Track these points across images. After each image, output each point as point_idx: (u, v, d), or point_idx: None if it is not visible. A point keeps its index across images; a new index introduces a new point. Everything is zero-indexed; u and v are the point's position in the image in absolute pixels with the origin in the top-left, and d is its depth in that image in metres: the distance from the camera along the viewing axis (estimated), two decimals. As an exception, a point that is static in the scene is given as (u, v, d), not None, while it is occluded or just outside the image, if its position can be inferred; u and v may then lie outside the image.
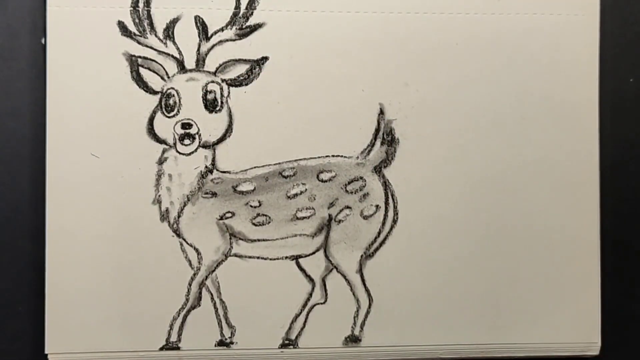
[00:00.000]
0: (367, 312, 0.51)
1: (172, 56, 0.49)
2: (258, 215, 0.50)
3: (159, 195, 0.49)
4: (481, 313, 0.51)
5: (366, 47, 0.50)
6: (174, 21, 0.49)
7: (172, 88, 0.49)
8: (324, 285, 0.51)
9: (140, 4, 0.49)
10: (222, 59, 0.49)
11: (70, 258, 0.49)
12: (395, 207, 0.51)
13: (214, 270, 0.50)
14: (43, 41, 0.50)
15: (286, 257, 0.51)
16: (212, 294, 0.50)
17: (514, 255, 0.51)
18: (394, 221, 0.51)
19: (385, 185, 0.51)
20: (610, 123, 0.53)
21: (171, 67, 0.49)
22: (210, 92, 0.49)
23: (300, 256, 0.51)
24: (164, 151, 0.49)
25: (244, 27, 0.50)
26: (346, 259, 0.51)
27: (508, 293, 0.51)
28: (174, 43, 0.49)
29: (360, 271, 0.51)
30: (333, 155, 0.50)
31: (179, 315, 0.50)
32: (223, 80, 0.49)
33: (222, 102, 0.50)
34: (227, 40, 0.49)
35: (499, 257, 0.51)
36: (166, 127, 0.49)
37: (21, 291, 0.50)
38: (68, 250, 0.49)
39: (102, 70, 0.49)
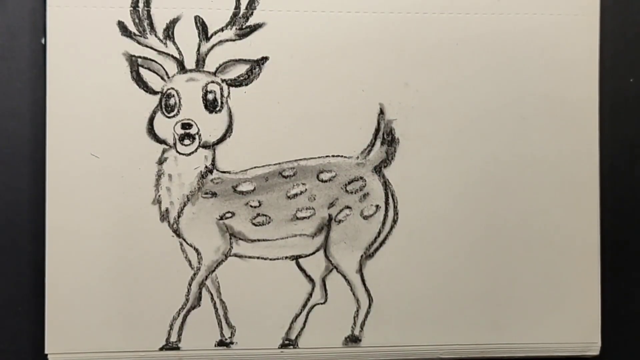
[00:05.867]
0: (367, 312, 0.51)
1: (172, 56, 0.49)
2: (258, 215, 0.50)
3: (159, 195, 0.49)
4: (481, 313, 0.51)
5: (366, 47, 0.50)
6: (174, 21, 0.49)
7: (172, 88, 0.49)
8: (324, 285, 0.51)
9: (140, 4, 0.49)
10: (222, 59, 0.49)
11: (70, 258, 0.49)
12: (395, 207, 0.51)
13: (214, 270, 0.50)
14: (43, 41, 0.50)
15: (286, 257, 0.51)
16: (212, 294, 0.50)
17: (514, 255, 0.51)
18: (394, 221, 0.51)
19: (385, 185, 0.51)
20: (610, 123, 0.53)
21: (171, 67, 0.49)
22: (210, 92, 0.49)
23: (300, 256, 0.51)
24: (164, 151, 0.49)
25: (244, 27, 0.50)
26: (346, 259, 0.51)
27: (508, 293, 0.51)
28: (174, 43, 0.49)
29: (360, 271, 0.51)
30: (333, 155, 0.50)
31: (179, 315, 0.50)
32: (223, 81, 0.50)
33: (222, 102, 0.50)
34: (227, 40, 0.49)
35: (499, 257, 0.51)
36: (166, 127, 0.49)
37: (21, 291, 0.50)
38: (68, 250, 0.49)
39: (102, 70, 0.49)
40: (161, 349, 0.50)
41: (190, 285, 0.50)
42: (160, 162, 0.49)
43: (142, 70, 0.49)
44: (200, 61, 0.49)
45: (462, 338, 0.51)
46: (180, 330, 0.50)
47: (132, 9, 0.49)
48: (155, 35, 0.49)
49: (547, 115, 0.52)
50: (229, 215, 0.50)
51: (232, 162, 0.50)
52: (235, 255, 0.50)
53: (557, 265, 0.52)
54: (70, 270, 0.49)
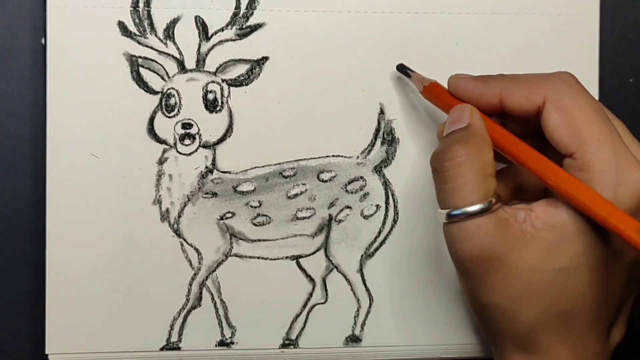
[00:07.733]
0: (368, 312, 0.51)
1: (173, 56, 0.49)
2: (258, 215, 0.50)
3: (160, 196, 0.49)
4: (481, 313, 0.51)
5: (366, 47, 0.50)
6: (174, 21, 0.49)
7: (173, 88, 0.49)
8: (325, 285, 0.51)
9: (141, 4, 0.49)
10: (223, 59, 0.49)
11: (70, 258, 0.49)
12: (395, 207, 0.51)
13: (214, 271, 0.50)
14: (43, 41, 0.49)
15: (286, 257, 0.51)
16: (212, 294, 0.50)
17: (514, 255, 0.51)
18: (394, 221, 0.51)
19: (386, 185, 0.51)
20: (610, 123, 0.53)
21: (171, 67, 0.49)
22: (211, 92, 0.49)
23: (300, 256, 0.51)
24: (164, 151, 0.49)
25: (244, 27, 0.50)
26: (346, 258, 0.51)
27: (508, 293, 0.51)
28: (174, 43, 0.49)
29: (360, 271, 0.51)
30: (333, 155, 0.51)
31: (179, 316, 0.50)
32: (223, 80, 0.50)
33: (222, 102, 0.50)
34: (227, 40, 0.49)
35: (499, 257, 0.51)
36: (166, 127, 0.49)
37: (21, 291, 0.50)
38: (68, 250, 0.49)
39: (102, 70, 0.49)
40: (162, 349, 0.50)
41: (190, 285, 0.50)
42: (161, 162, 0.49)
43: (142, 70, 0.49)
44: (200, 61, 0.49)
45: (462, 338, 0.52)
46: (180, 331, 0.50)
47: (132, 9, 0.49)
48: (156, 35, 0.49)
49: (547, 115, 0.52)
50: (229, 215, 0.50)
51: (232, 162, 0.50)
52: (236, 255, 0.50)
53: (557, 265, 0.52)
54: (70, 271, 0.49)
